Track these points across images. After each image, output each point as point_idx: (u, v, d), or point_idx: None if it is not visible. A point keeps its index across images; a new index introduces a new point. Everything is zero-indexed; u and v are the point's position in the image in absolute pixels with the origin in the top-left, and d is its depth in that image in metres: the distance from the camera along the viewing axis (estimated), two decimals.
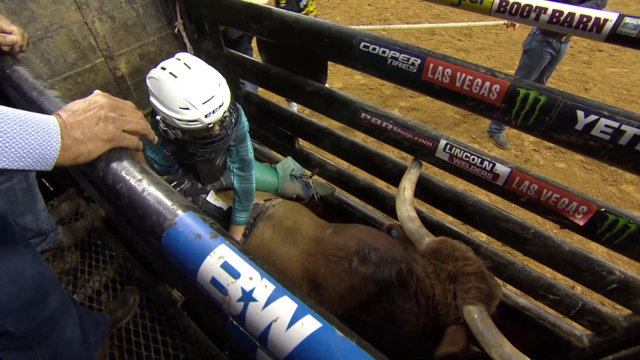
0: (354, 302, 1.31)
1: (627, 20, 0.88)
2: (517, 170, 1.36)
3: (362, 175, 2.15)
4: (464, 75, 1.21)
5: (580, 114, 1.10)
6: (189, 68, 1.21)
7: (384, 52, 1.32)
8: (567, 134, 1.15)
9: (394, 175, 1.78)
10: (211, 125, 1.25)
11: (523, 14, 1.04)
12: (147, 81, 1.25)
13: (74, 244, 1.95)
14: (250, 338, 0.51)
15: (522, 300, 1.82)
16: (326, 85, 1.80)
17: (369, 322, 1.29)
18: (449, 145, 1.43)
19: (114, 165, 0.59)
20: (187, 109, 1.19)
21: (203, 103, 1.21)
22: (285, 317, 0.36)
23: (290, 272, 1.45)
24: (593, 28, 0.93)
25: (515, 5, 1.04)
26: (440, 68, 1.24)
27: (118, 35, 1.99)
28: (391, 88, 4.43)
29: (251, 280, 0.39)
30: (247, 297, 0.38)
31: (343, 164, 2.24)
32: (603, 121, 1.06)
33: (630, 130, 1.02)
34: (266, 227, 1.61)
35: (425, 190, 1.74)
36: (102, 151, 0.60)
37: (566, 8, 0.97)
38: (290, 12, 1.68)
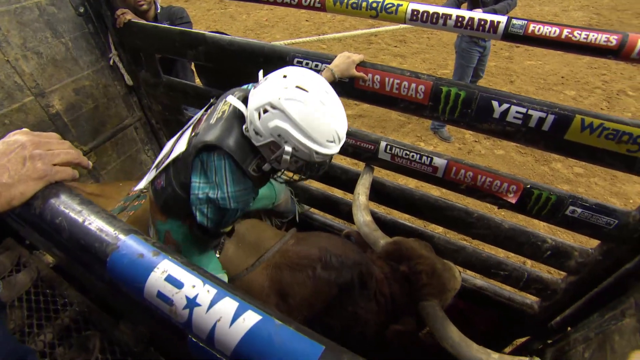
0: (320, 306, 1.35)
1: (514, 21, 1.02)
2: (453, 160, 1.48)
3: (315, 185, 2.20)
4: (391, 79, 1.32)
5: (495, 103, 1.23)
6: (327, 93, 1.06)
7: (316, 65, 1.39)
8: (488, 122, 1.29)
9: (344, 181, 1.86)
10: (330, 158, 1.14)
11: (432, 20, 1.16)
12: (283, 103, 1.00)
13: (17, 298, 1.81)
14: (209, 351, 0.54)
15: (479, 281, 1.95)
16: None
17: (336, 325, 1.34)
18: (389, 146, 1.53)
19: (52, 200, 0.59)
20: (334, 142, 1.05)
21: (344, 136, 1.09)
22: (228, 316, 0.39)
23: (257, 285, 1.46)
24: (490, 29, 1.07)
25: (425, 14, 1.16)
26: (370, 75, 1.33)
27: (47, 72, 1.91)
28: None
29: (194, 288, 0.42)
30: (192, 303, 0.41)
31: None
32: (514, 108, 1.20)
33: (535, 114, 1.17)
34: (230, 244, 1.61)
35: (376, 192, 1.82)
36: (36, 190, 0.60)
37: (467, 14, 1.11)
38: (223, 35, 1.72)
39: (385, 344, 1.31)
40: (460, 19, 1.11)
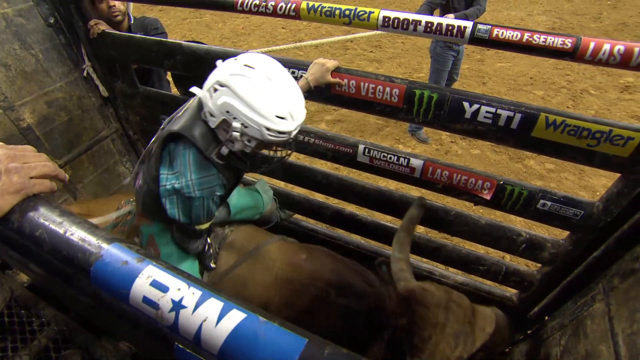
0: (330, 327, 1.36)
1: (480, 26, 1.08)
2: (429, 161, 1.53)
3: (297, 190, 2.22)
4: (367, 84, 1.36)
5: (466, 104, 1.29)
6: (276, 71, 1.06)
7: (293, 72, 1.42)
8: (460, 123, 1.34)
9: (325, 185, 1.88)
10: (291, 139, 1.12)
11: (403, 26, 1.21)
12: (229, 79, 1.02)
13: None
14: (196, 357, 0.54)
15: (460, 277, 2.01)
16: None
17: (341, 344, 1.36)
18: (367, 149, 1.57)
19: (31, 214, 0.58)
20: (284, 118, 1.05)
21: (298, 114, 1.08)
22: (214, 315, 0.40)
23: (265, 298, 1.42)
24: (458, 34, 1.12)
25: (396, 20, 1.21)
26: (346, 80, 1.37)
27: (17, 84, 1.86)
28: (315, 104, 4.63)
29: (179, 291, 0.43)
30: (178, 306, 0.42)
31: (279, 184, 2.30)
32: (484, 108, 1.26)
33: (504, 113, 1.23)
34: (230, 256, 1.54)
35: (357, 195, 1.85)
36: (13, 204, 0.59)
37: (435, 19, 1.16)
38: (200, 44, 1.73)
39: None
40: (429, 24, 1.16)
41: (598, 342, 1.28)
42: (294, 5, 1.46)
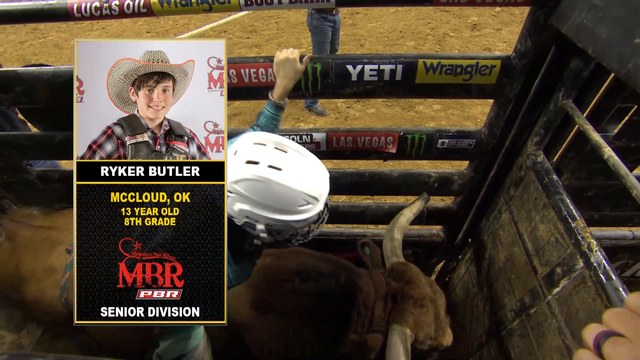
0: (302, 316, 1.38)
1: None
2: (331, 131, 1.52)
3: None
4: (247, 70, 1.27)
5: (349, 67, 1.29)
6: (283, 154, 0.93)
7: None
8: (349, 87, 1.34)
9: None
10: (326, 213, 1.00)
11: (267, 1, 1.14)
12: (234, 186, 0.90)
13: None
14: None
15: None
16: None
17: (313, 333, 1.36)
18: None
19: None
20: (309, 204, 0.93)
21: (322, 190, 0.96)
22: None
23: (240, 309, 1.42)
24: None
25: None
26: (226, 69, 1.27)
27: None
28: None
29: None
30: None
31: None
32: (367, 67, 1.28)
33: (387, 68, 1.27)
34: None
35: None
36: None
37: None
38: (44, 67, 1.44)
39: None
40: None
41: (511, 246, 1.46)
42: (142, 1, 1.27)
